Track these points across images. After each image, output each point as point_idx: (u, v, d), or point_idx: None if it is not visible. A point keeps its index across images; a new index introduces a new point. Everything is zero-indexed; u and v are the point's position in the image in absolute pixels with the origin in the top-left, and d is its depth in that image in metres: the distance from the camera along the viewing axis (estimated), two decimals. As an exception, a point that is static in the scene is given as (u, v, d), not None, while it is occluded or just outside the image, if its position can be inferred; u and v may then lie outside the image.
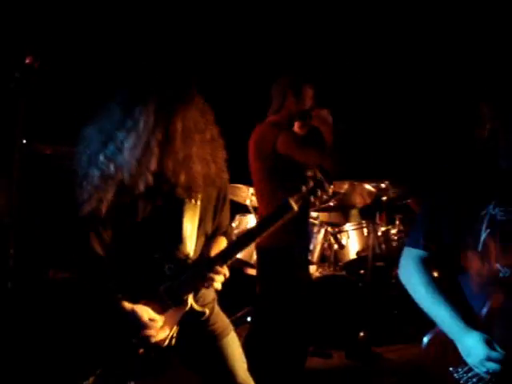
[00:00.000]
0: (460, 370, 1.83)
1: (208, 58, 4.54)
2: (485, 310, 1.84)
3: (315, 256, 4.39)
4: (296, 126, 3.44)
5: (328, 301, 4.15)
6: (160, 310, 1.98)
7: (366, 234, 4.43)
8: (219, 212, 2.19)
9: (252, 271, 4.34)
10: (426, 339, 1.94)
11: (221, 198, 2.18)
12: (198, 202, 2.07)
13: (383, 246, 4.43)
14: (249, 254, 4.21)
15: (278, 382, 3.28)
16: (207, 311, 2.09)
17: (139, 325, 1.93)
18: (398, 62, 5.07)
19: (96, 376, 1.97)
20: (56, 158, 3.22)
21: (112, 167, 1.91)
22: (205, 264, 2.01)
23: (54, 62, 3.18)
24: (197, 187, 2.02)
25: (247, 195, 4.44)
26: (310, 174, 2.09)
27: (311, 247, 4.31)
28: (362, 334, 4.12)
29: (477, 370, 1.79)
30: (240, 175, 3.53)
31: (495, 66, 4.21)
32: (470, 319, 1.83)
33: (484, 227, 1.85)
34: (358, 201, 4.73)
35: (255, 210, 4.23)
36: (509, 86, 1.92)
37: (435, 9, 4.80)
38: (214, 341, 2.17)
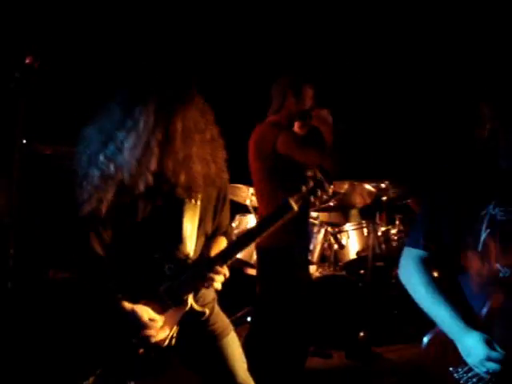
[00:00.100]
0: (460, 370, 1.83)
1: (208, 58, 4.54)
2: (485, 310, 1.84)
3: (315, 256, 4.39)
4: (296, 126, 3.44)
5: (328, 301, 4.14)
6: (160, 310, 1.98)
7: (366, 234, 4.43)
8: (219, 212, 2.18)
9: (252, 271, 4.34)
10: (426, 339, 1.94)
11: (221, 198, 2.17)
12: (198, 202, 2.07)
13: (383, 246, 4.43)
14: (249, 253, 4.21)
15: (278, 382, 3.28)
16: (207, 311, 2.09)
17: (139, 325, 1.93)
18: (398, 62, 5.07)
19: (96, 376, 1.96)
20: (56, 158, 3.21)
21: (112, 167, 1.91)
22: (205, 264, 2.01)
23: (54, 62, 3.18)
24: (197, 187, 2.02)
25: (247, 195, 4.44)
26: (309, 174, 2.09)
27: (311, 247, 4.31)
28: (362, 334, 4.12)
29: (477, 370, 1.79)
30: (240, 175, 3.53)
31: (495, 66, 4.21)
32: (470, 319, 1.83)
33: (484, 227, 1.85)
34: (358, 201, 4.73)
35: (255, 209, 4.23)
36: (508, 86, 1.92)
37: (435, 9, 4.80)
38: (214, 341, 2.17)
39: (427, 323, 1.93)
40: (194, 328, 2.10)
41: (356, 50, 5.08)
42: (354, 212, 5.03)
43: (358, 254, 4.42)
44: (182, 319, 2.01)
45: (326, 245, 4.48)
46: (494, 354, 1.74)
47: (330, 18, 4.97)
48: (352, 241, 4.46)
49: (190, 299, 2.01)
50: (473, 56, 4.70)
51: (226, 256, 2.01)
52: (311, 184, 2.05)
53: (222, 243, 2.21)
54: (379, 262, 4.54)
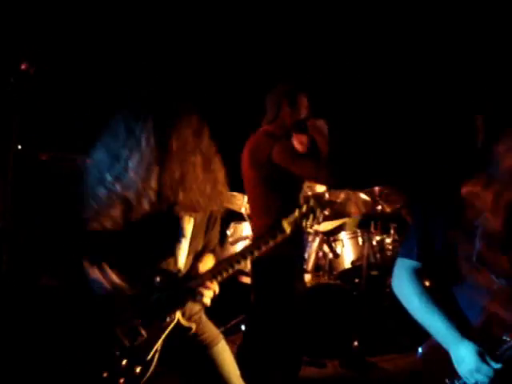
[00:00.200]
0: (456, 382, 1.83)
1: (201, 67, 4.56)
2: (480, 320, 1.84)
3: (310, 265, 4.38)
4: (296, 143, 3.40)
5: (322, 310, 4.13)
6: (146, 323, 2.01)
7: (360, 243, 4.43)
8: (209, 230, 2.25)
9: (247, 279, 4.33)
10: (420, 349, 1.94)
11: (213, 217, 2.24)
12: (192, 220, 2.13)
13: (378, 256, 4.43)
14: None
15: (271, 391, 3.26)
16: (194, 326, 2.13)
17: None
18: (394, 73, 5.09)
19: None
20: (51, 163, 3.21)
21: (118, 186, 1.97)
22: (195, 279, 2.06)
23: (50, 68, 3.18)
24: (195, 205, 2.08)
25: (242, 203, 4.43)
26: (304, 199, 2.16)
27: (306, 256, 4.30)
28: (356, 343, 4.10)
29: (466, 381, 1.79)
30: (235, 183, 3.52)
31: (492, 78, 4.23)
32: (465, 329, 1.83)
33: (478, 237, 1.85)
34: (353, 210, 4.72)
35: (250, 217, 4.22)
36: (501, 99, 1.94)
37: (431, 18, 4.83)
38: (204, 350, 2.19)
39: (422, 333, 1.93)
40: (183, 340, 2.13)
41: (353, 60, 5.10)
42: (349, 221, 5.03)
43: (352, 263, 4.42)
44: (169, 333, 2.05)
45: (320, 253, 4.48)
46: (483, 367, 1.74)
47: (324, 27, 4.99)
48: (347, 250, 4.46)
49: (178, 314, 2.05)
50: (470, 69, 4.72)
51: (216, 272, 2.06)
52: (304, 209, 2.10)
53: (209, 260, 2.26)
54: (374, 271, 4.53)
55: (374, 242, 4.46)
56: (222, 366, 2.19)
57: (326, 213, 2.13)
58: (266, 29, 4.87)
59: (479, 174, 1.92)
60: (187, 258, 2.13)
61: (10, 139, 2.74)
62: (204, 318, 2.26)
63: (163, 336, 2.03)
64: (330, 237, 4.53)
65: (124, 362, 1.99)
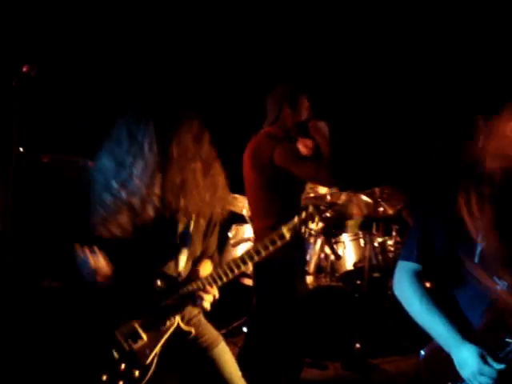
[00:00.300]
0: (459, 385, 1.82)
1: (201, 70, 4.56)
2: (481, 322, 1.83)
3: (311, 266, 4.38)
4: (301, 147, 3.40)
5: (324, 312, 4.13)
6: (146, 327, 2.02)
7: (362, 244, 4.43)
8: (208, 236, 2.27)
9: (248, 281, 4.33)
10: (423, 352, 1.93)
11: (212, 223, 2.26)
12: (192, 225, 2.15)
13: (380, 257, 4.42)
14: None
15: (273, 393, 3.26)
16: (193, 330, 2.14)
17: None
18: (394, 76, 5.09)
19: None
20: (53, 166, 3.21)
21: (124, 193, 1.99)
22: (195, 283, 2.07)
23: (52, 71, 3.19)
24: (195, 211, 2.10)
25: (244, 205, 4.43)
26: (303, 206, 2.19)
27: (307, 258, 4.30)
28: (358, 345, 4.10)
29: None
30: (236, 185, 3.52)
31: (490, 81, 4.23)
32: (466, 332, 1.82)
33: (480, 239, 1.84)
34: (355, 212, 4.72)
35: (252, 219, 4.22)
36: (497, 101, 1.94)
37: (431, 19, 4.83)
38: (204, 353, 2.20)
39: (424, 334, 1.92)
40: (183, 343, 2.14)
41: (352, 60, 5.10)
42: (350, 223, 5.02)
43: (354, 264, 4.42)
44: (168, 338, 2.06)
45: (322, 255, 4.47)
46: (486, 369, 1.73)
47: (324, 28, 4.99)
48: (349, 251, 4.46)
49: (178, 318, 2.07)
50: (470, 69, 4.72)
51: (216, 277, 2.07)
52: (303, 216, 2.12)
53: (207, 266, 2.27)
54: (376, 272, 4.52)
55: (376, 244, 4.45)
56: (224, 368, 2.20)
57: (326, 219, 2.16)
58: (266, 31, 4.87)
59: (478, 174, 1.92)
60: (186, 263, 2.15)
61: (11, 141, 2.75)
62: (203, 320, 2.27)
63: (163, 340, 2.04)
64: (331, 238, 4.52)
65: (123, 365, 2.00)
